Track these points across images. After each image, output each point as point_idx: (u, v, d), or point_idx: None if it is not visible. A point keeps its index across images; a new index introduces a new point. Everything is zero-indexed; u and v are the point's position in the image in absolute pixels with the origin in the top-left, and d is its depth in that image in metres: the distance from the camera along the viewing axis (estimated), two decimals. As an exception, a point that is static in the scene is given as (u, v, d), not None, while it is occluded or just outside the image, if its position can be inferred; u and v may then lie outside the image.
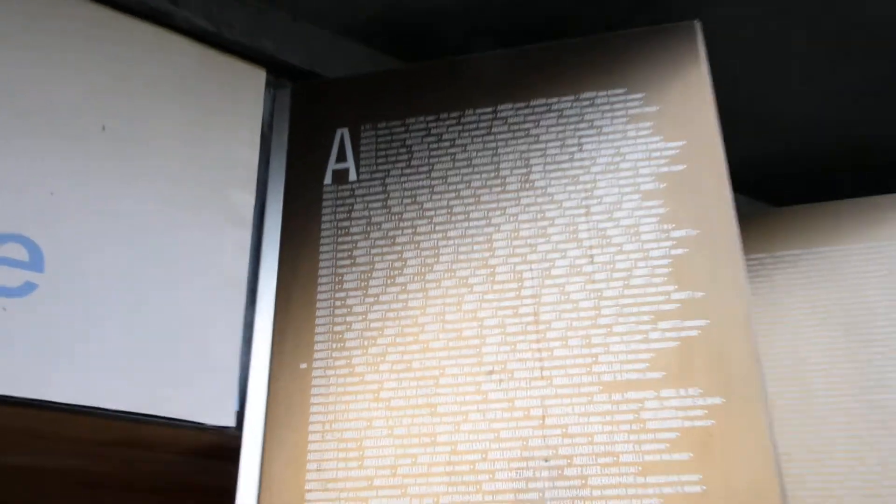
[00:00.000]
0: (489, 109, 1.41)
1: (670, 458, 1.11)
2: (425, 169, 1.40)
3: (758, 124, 1.88)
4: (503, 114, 1.40)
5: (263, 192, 1.42)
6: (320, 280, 1.36)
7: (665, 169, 1.30)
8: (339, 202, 1.41)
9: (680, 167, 1.29)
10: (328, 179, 1.43)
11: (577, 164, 1.34)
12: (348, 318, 1.32)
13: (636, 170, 1.31)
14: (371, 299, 1.33)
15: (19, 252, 1.12)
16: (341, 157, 1.44)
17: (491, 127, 1.40)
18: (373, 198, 1.40)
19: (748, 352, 1.15)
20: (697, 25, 1.38)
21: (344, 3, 1.51)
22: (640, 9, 1.52)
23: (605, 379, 1.19)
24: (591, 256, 1.27)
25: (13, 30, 1.21)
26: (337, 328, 1.32)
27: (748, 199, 2.10)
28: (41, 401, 1.09)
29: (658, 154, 1.31)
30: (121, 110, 1.29)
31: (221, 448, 1.30)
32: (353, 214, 1.39)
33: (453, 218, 1.35)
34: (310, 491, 1.22)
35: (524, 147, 1.37)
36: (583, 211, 1.30)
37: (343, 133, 1.45)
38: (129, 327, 1.20)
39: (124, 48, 1.32)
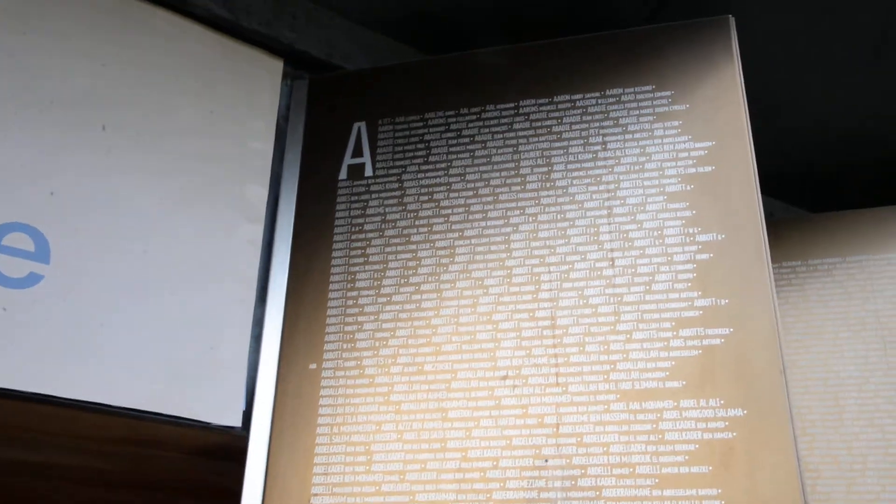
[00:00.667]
0: (511, 105, 1.37)
1: (689, 471, 1.06)
2: (443, 166, 1.36)
3: (796, 128, 1.81)
4: (525, 109, 1.36)
5: (277, 186, 1.40)
6: (332, 278, 1.33)
7: (692, 170, 1.24)
8: (353, 198, 1.37)
9: (708, 168, 1.24)
10: (343, 174, 1.40)
11: (600, 163, 1.29)
12: (360, 318, 1.29)
13: (662, 170, 1.26)
14: (384, 299, 1.29)
15: (25, 242, 1.10)
16: (357, 152, 1.41)
17: (512, 123, 1.36)
18: (388, 194, 1.36)
19: (773, 363, 1.10)
20: (731, 21, 1.32)
21: (365, -6, 1.48)
22: (670, 2, 1.47)
23: (623, 387, 1.14)
24: (612, 259, 1.22)
25: (27, 16, 1.20)
26: (348, 328, 1.28)
27: (784, 204, 2.03)
28: (44, 395, 1.07)
29: (685, 154, 1.26)
30: (133, 99, 1.27)
31: (227, 448, 1.27)
32: (368, 211, 1.36)
33: (470, 217, 1.31)
34: (316, 495, 1.18)
35: (546, 145, 1.33)
36: (605, 212, 1.25)
37: (360, 127, 1.42)
38: (136, 323, 1.18)
39: (139, 35, 1.30)
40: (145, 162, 1.25)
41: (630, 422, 1.11)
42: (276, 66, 1.43)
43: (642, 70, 1.33)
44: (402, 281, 1.29)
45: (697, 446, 1.08)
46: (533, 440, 1.14)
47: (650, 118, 1.30)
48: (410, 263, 1.30)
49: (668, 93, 1.30)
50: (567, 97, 1.35)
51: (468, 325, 1.23)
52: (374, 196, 1.37)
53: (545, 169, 1.31)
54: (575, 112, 1.34)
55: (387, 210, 1.35)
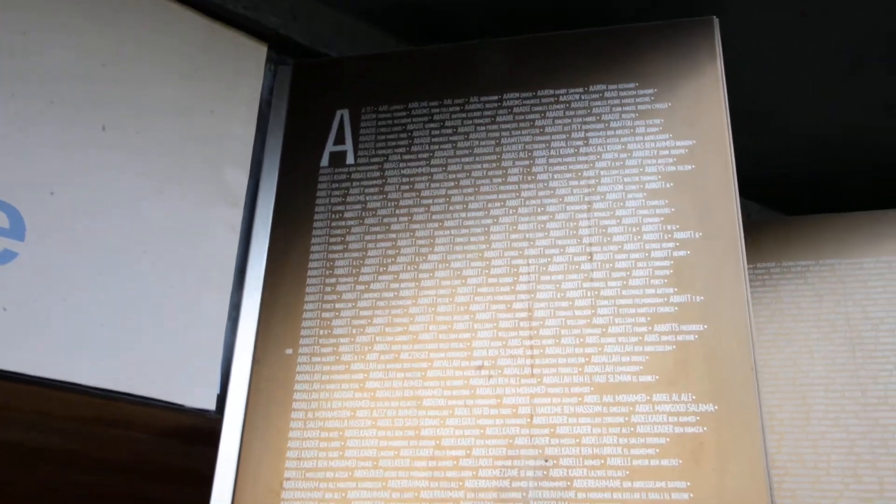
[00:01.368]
0: (494, 98, 1.37)
1: (659, 463, 1.08)
2: (425, 156, 1.36)
3: (773, 131, 1.84)
4: (509, 103, 1.36)
5: (258, 171, 1.39)
6: (311, 265, 1.32)
7: (672, 168, 1.26)
8: (334, 185, 1.37)
9: (687, 167, 1.25)
10: (325, 161, 1.39)
11: (581, 158, 1.30)
12: (337, 305, 1.29)
13: (642, 167, 1.27)
14: (362, 287, 1.29)
15: (0, 219, 1.09)
16: (340, 140, 1.40)
17: (495, 116, 1.36)
18: (369, 183, 1.36)
19: (745, 360, 1.11)
20: (715, 22, 1.34)
21: (352, -18, 1.47)
22: (657, 1, 1.48)
23: (598, 380, 1.15)
24: (591, 254, 1.23)
25: None
26: (325, 314, 1.28)
27: (760, 206, 2.06)
28: (14, 372, 1.06)
29: (666, 153, 1.27)
30: (115, 78, 1.25)
31: (200, 431, 1.27)
32: (349, 199, 1.36)
33: (451, 207, 1.31)
34: (288, 479, 1.18)
35: (528, 138, 1.33)
36: (585, 207, 1.26)
37: (343, 114, 1.42)
38: (112, 303, 1.17)
39: (122, 14, 1.28)
40: (124, 142, 1.24)
41: (603, 414, 1.13)
42: (261, 50, 1.43)
43: (626, 67, 1.34)
44: (381, 269, 1.29)
45: (668, 440, 1.09)
46: (506, 430, 1.14)
47: (632, 115, 1.31)
48: (390, 252, 1.30)
49: (650, 91, 1.32)
50: (551, 92, 1.36)
51: (445, 315, 1.24)
52: (355, 184, 1.37)
53: (527, 162, 1.32)
54: (558, 107, 1.34)
55: (367, 198, 1.35)
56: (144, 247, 1.23)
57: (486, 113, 1.37)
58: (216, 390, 1.23)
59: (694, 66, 1.32)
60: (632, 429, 1.11)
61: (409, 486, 1.14)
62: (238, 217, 1.33)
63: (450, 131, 1.37)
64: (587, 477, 1.09)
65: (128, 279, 1.20)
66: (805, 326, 1.71)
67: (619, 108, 1.32)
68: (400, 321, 1.25)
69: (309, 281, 1.31)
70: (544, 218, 1.27)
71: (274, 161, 1.40)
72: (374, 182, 1.36)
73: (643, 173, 1.26)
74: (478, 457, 1.14)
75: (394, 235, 1.31)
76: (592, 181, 1.28)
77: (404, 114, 1.40)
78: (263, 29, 1.43)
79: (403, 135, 1.38)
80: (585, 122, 1.32)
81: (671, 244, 1.21)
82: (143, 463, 1.50)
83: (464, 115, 1.37)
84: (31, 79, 1.17)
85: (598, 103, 1.33)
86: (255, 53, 1.41)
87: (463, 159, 1.34)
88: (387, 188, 1.35)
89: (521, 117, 1.35)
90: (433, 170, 1.35)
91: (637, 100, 1.32)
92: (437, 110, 1.39)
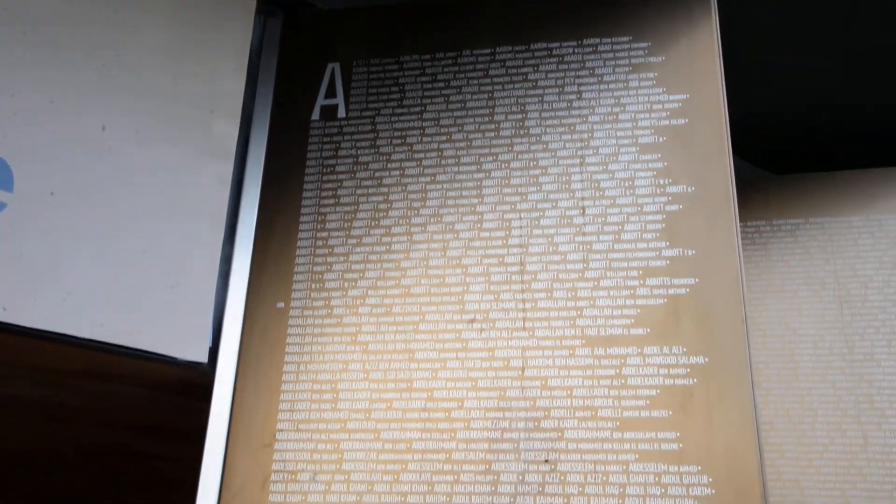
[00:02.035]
0: (487, 51, 1.36)
1: (649, 415, 1.09)
2: (417, 109, 1.35)
3: (764, 90, 1.83)
4: (501, 56, 1.35)
5: (248, 125, 1.38)
6: (302, 218, 1.32)
7: (665, 122, 1.25)
8: (325, 139, 1.36)
9: (681, 121, 1.25)
10: (316, 115, 1.38)
11: (574, 112, 1.29)
12: (329, 259, 1.28)
13: (635, 121, 1.26)
14: (353, 240, 1.29)
15: (-12, 169, 1.08)
16: (331, 93, 1.39)
17: (488, 69, 1.35)
18: (361, 136, 1.35)
19: (735, 313, 1.12)
20: (710, -25, 1.32)
21: (343, -68, 1.44)
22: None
23: (589, 333, 1.15)
24: (583, 208, 1.23)
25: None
26: (317, 268, 1.28)
27: (751, 165, 2.06)
28: (5, 323, 1.05)
29: (659, 107, 1.26)
30: (103, 29, 1.23)
31: (192, 384, 1.27)
32: (340, 153, 1.35)
33: (443, 161, 1.30)
34: (281, 431, 1.19)
35: (521, 92, 1.32)
36: (577, 161, 1.26)
37: (334, 68, 1.40)
38: (102, 255, 1.16)
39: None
40: (113, 95, 1.22)
41: (594, 367, 1.13)
42: (250, 2, 1.40)
43: (620, 20, 1.33)
44: (373, 223, 1.29)
45: (659, 392, 1.10)
46: (498, 382, 1.15)
47: (626, 69, 1.30)
48: (381, 206, 1.30)
49: (644, 44, 1.30)
50: (544, 45, 1.34)
51: (437, 269, 1.24)
52: (346, 138, 1.36)
53: (519, 116, 1.31)
54: (551, 60, 1.33)
55: (359, 152, 1.34)
56: (134, 201, 1.21)
57: (478, 66, 1.35)
58: (208, 343, 1.23)
59: (688, 19, 1.30)
60: (622, 381, 1.12)
61: (402, 437, 1.15)
62: (228, 170, 1.32)
63: (442, 85, 1.35)
64: (578, 428, 1.10)
65: (117, 232, 1.19)
66: (794, 284, 1.72)
67: (612, 62, 1.31)
68: (392, 275, 1.25)
69: (300, 235, 1.31)
70: (536, 172, 1.26)
71: (264, 114, 1.39)
72: (366, 136, 1.35)
73: (636, 127, 1.26)
74: (469, 409, 1.15)
75: (385, 189, 1.31)
76: (585, 135, 1.27)
77: (396, 67, 1.38)
78: (252, -21, 1.40)
79: (395, 88, 1.37)
80: (579, 76, 1.31)
81: (663, 198, 1.21)
82: (135, 417, 1.51)
83: (456, 68, 1.36)
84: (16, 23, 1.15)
85: (592, 57, 1.32)
86: (244, 4, 1.39)
87: (455, 113, 1.33)
88: (378, 142, 1.34)
89: (514, 71, 1.34)
90: (425, 124, 1.34)
91: (631, 53, 1.30)
92: (429, 64, 1.37)
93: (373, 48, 1.40)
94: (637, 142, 1.25)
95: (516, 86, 1.33)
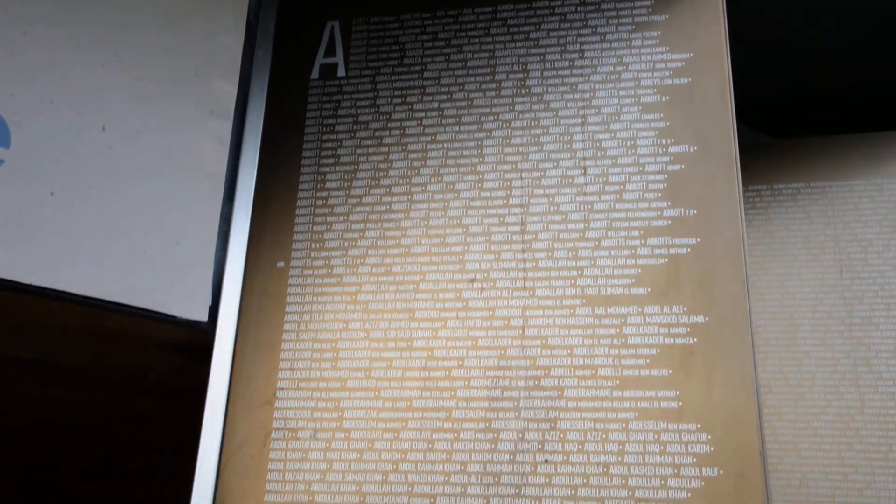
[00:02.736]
0: (488, 9, 1.34)
1: (649, 373, 1.09)
2: (418, 68, 1.33)
3: (764, 52, 1.81)
4: (503, 14, 1.33)
5: (246, 84, 1.36)
6: (302, 178, 1.31)
7: (668, 81, 1.24)
8: (325, 98, 1.35)
9: (684, 80, 1.23)
10: (315, 74, 1.36)
11: (576, 71, 1.28)
12: (329, 219, 1.28)
13: (638, 81, 1.25)
14: (354, 200, 1.28)
15: (-17, 124, 1.07)
16: (330, 52, 1.37)
17: (489, 28, 1.33)
18: (361, 96, 1.34)
19: (736, 272, 1.12)
20: (714, -68, 1.30)
21: None
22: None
23: (589, 293, 1.15)
24: (585, 168, 1.22)
25: None
26: (317, 228, 1.28)
27: (751, 129, 2.04)
28: (3, 280, 1.04)
29: (662, 66, 1.25)
30: (98, -17, 1.21)
31: (192, 344, 1.27)
32: (340, 112, 1.33)
33: (444, 121, 1.29)
34: (281, 389, 1.19)
35: (522, 51, 1.31)
36: (579, 121, 1.25)
37: (333, 26, 1.38)
38: (100, 213, 1.16)
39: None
40: (110, 54, 1.21)
41: (594, 326, 1.13)
42: (248, -44, 1.38)
43: (624, -22, 1.31)
44: (373, 182, 1.28)
45: (659, 351, 1.10)
46: (498, 341, 1.15)
47: (629, 27, 1.28)
48: (382, 165, 1.29)
49: (648, 2, 1.29)
50: (546, 3, 1.32)
51: (438, 229, 1.23)
52: (346, 97, 1.34)
53: (521, 75, 1.29)
54: (553, 18, 1.31)
55: (359, 111, 1.33)
56: (132, 159, 1.20)
57: (479, 25, 1.34)
58: (208, 302, 1.23)
59: (693, -23, 1.29)
60: (623, 340, 1.12)
61: (402, 395, 1.15)
62: (227, 130, 1.31)
63: (442, 43, 1.34)
64: (578, 387, 1.11)
65: (116, 190, 1.18)
66: (794, 248, 1.72)
67: (615, 20, 1.29)
68: (392, 234, 1.24)
69: (300, 194, 1.30)
70: (538, 131, 1.25)
71: (263, 74, 1.37)
72: (366, 95, 1.34)
73: (639, 86, 1.25)
74: (470, 367, 1.15)
75: (386, 149, 1.30)
76: (587, 94, 1.26)
77: (396, 25, 1.37)
78: (250, -66, 1.38)
79: (395, 47, 1.35)
80: (581, 35, 1.30)
81: (665, 158, 1.20)
82: (135, 377, 1.51)
83: (457, 26, 1.34)
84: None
85: (595, 15, 1.30)
86: (241, -40, 1.37)
87: (456, 72, 1.32)
88: (378, 101, 1.33)
89: (516, 29, 1.32)
90: (426, 83, 1.32)
91: (634, 11, 1.29)
92: (430, 22, 1.36)
93: (372, 6, 1.38)
94: (639, 101, 1.24)
95: (518, 45, 1.31)
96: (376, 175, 1.28)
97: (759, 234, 1.74)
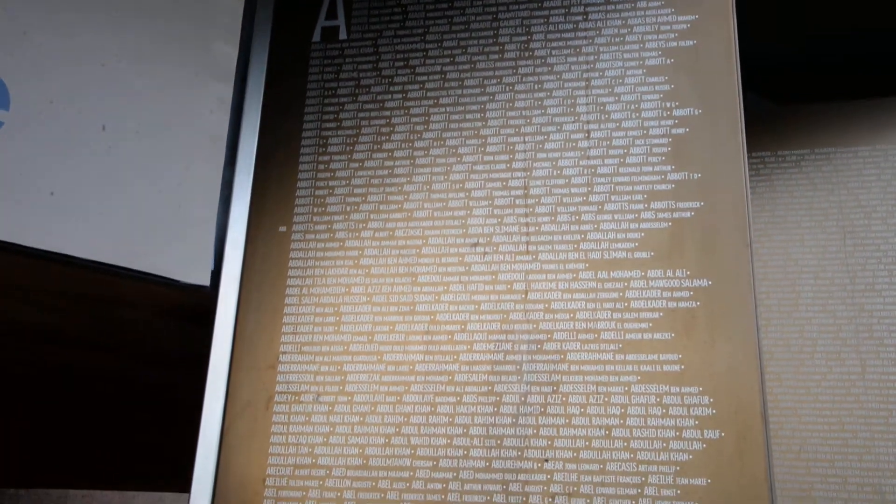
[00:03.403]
0: (491, -29, 1.32)
1: (651, 337, 1.09)
2: (420, 31, 1.32)
3: (768, 18, 1.79)
4: (506, -24, 1.31)
5: (248, 48, 1.35)
6: (303, 142, 1.30)
7: (673, 44, 1.23)
8: (326, 61, 1.33)
9: (689, 43, 1.22)
10: (317, 37, 1.35)
11: (580, 34, 1.26)
12: (331, 183, 1.27)
13: (643, 43, 1.24)
14: (356, 164, 1.27)
15: (-18, 85, 1.06)
16: (332, 14, 1.36)
17: (492, -10, 1.31)
18: (363, 59, 1.32)
19: (740, 236, 1.11)
20: None
21: None
22: None
23: (592, 257, 1.15)
24: (588, 132, 1.21)
25: None
26: (319, 192, 1.27)
27: (755, 96, 2.03)
28: (5, 242, 1.04)
29: (667, 28, 1.24)
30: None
31: (195, 309, 1.27)
32: (342, 75, 1.32)
33: (446, 84, 1.28)
34: (284, 353, 1.20)
35: (526, 13, 1.29)
36: (583, 84, 1.24)
37: (335, -13, 1.37)
38: (101, 177, 1.15)
39: None
40: (108, 15, 1.19)
41: (597, 290, 1.13)
42: (248, -84, 1.36)
43: (629, -62, 1.29)
44: (375, 147, 1.27)
45: (662, 314, 1.10)
46: (501, 305, 1.15)
47: (634, -11, 1.26)
48: (384, 129, 1.28)
49: (653, -36, 1.27)
50: (550, -36, 1.31)
51: (440, 193, 1.23)
52: (347, 60, 1.33)
53: (524, 38, 1.28)
54: (557, -20, 1.30)
55: (361, 75, 1.32)
56: (133, 122, 1.20)
57: (482, -14, 1.32)
58: (210, 266, 1.23)
59: (699, -62, 1.27)
60: (626, 304, 1.12)
61: (405, 359, 1.16)
62: (228, 93, 1.30)
63: (445, 6, 1.32)
64: (580, 350, 1.11)
65: (117, 155, 1.17)
66: (797, 215, 1.71)
67: (620, -18, 1.27)
68: (394, 199, 1.24)
69: (302, 158, 1.29)
70: (541, 95, 1.24)
71: (264, 37, 1.36)
72: (368, 58, 1.32)
73: (643, 49, 1.23)
74: (472, 331, 1.15)
75: (388, 113, 1.29)
76: (591, 57, 1.24)
77: (398, -13, 1.35)
78: None
79: (397, 9, 1.34)
80: (586, -3, 1.28)
81: (670, 121, 1.19)
82: (136, 343, 1.51)
83: (460, -12, 1.33)
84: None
85: (600, -24, 1.28)
86: (241, -80, 1.34)
87: (459, 35, 1.30)
88: (381, 65, 1.31)
89: (520, -9, 1.30)
90: (428, 46, 1.31)
91: (639, -27, 1.27)
92: (432, -16, 1.34)
93: (374, -33, 1.36)
94: (644, 64, 1.22)
95: (521, 7, 1.29)
96: (378, 139, 1.27)
97: (763, 202, 1.73)
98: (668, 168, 1.17)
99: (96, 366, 1.65)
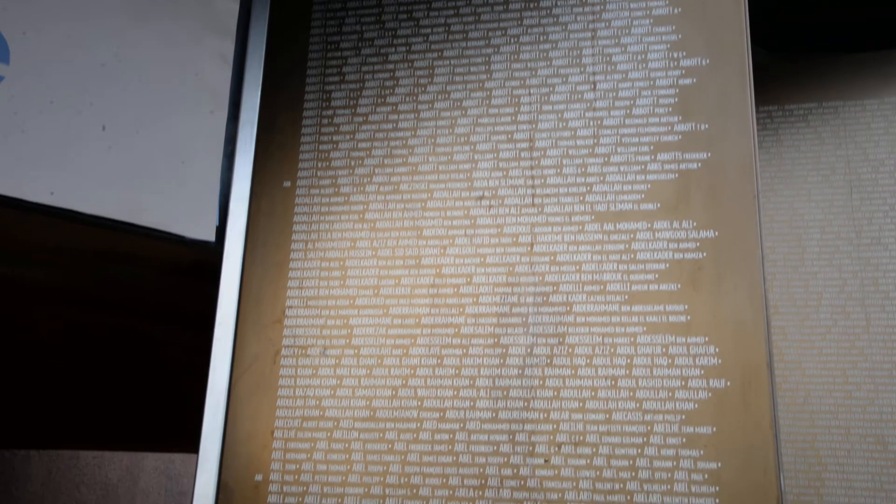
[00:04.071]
0: (496, -81, 1.30)
1: (658, 288, 1.09)
2: (423, -18, 1.30)
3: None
4: (510, -76, 1.29)
5: (249, 1, 1.33)
6: (307, 97, 1.29)
7: (680, -7, 1.21)
8: (329, 15, 1.32)
9: (696, -9, 1.20)
10: (319, -11, 1.33)
11: (586, -16, 1.24)
12: (335, 138, 1.26)
13: (649, -8, 1.22)
14: (360, 118, 1.26)
15: (-18, 39, 1.05)
16: (333, -35, 1.34)
17: (496, -61, 1.29)
18: (365, 12, 1.31)
19: (747, 187, 1.11)
20: None
21: None
22: None
23: (598, 209, 1.14)
24: (594, 83, 1.20)
25: None
26: (323, 147, 1.26)
27: (762, 49, 2.00)
28: (12, 198, 1.04)
29: (674, -23, 1.21)
30: None
31: (200, 265, 1.27)
32: (344, 29, 1.31)
33: (451, 37, 1.27)
34: (290, 307, 1.20)
35: (531, -37, 1.27)
36: (588, 35, 1.22)
37: (336, -62, 1.34)
38: (104, 132, 1.14)
39: None
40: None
41: (603, 242, 1.13)
42: None
43: None
44: (379, 101, 1.26)
45: (668, 265, 1.10)
46: (507, 258, 1.15)
47: (641, -63, 1.24)
48: (388, 83, 1.27)
49: (661, -90, 1.24)
50: (555, -87, 1.28)
51: (445, 146, 1.22)
52: (350, 13, 1.31)
53: (529, -12, 1.26)
54: (563, -71, 1.27)
55: (364, 28, 1.30)
56: (135, 78, 1.19)
57: (486, -64, 1.30)
58: (215, 221, 1.23)
59: None
60: (632, 255, 1.12)
61: (410, 312, 1.16)
62: (230, 48, 1.28)
63: (449, -44, 1.30)
64: (586, 302, 1.11)
65: (119, 110, 1.16)
66: (804, 169, 1.70)
67: (627, -70, 1.25)
68: (399, 153, 1.23)
69: (305, 113, 1.28)
70: (547, 46, 1.23)
71: (264, -11, 1.34)
72: (371, 11, 1.30)
73: (650, -2, 1.21)
74: (478, 284, 1.15)
75: (391, 66, 1.27)
76: (597, 7, 1.23)
77: (400, -62, 1.32)
78: None
79: (400, -40, 1.32)
80: (591, -55, 1.26)
81: (677, 72, 1.17)
82: (141, 301, 1.51)
83: (463, -62, 1.30)
84: None
85: (606, -76, 1.26)
86: None
87: (463, -14, 1.28)
88: (384, 17, 1.30)
89: (524, -60, 1.28)
90: (431, -3, 1.29)
91: (646, -80, 1.25)
92: (435, -66, 1.31)
93: (376, -83, 1.34)
94: (651, 14, 1.21)
95: (526, -44, 1.27)
96: (382, 93, 1.26)
97: (769, 156, 1.72)
98: (675, 119, 1.16)
99: (102, 324, 1.66)
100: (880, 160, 1.66)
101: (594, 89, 1.19)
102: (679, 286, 1.09)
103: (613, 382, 1.07)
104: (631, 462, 1.04)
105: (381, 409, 1.13)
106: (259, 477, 1.14)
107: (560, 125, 1.19)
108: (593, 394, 1.07)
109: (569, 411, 1.07)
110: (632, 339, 1.08)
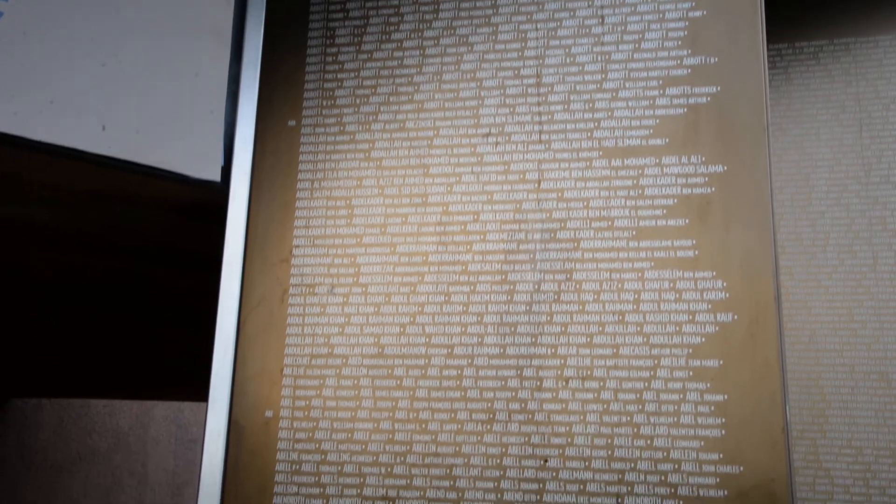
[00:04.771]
0: None
1: (665, 223, 1.09)
2: (427, -85, 1.27)
3: None
4: None
5: (249, -66, 1.30)
6: (310, 34, 1.27)
7: (691, -77, 1.18)
8: (331, -52, 1.29)
9: (707, -79, 1.17)
10: (320, -78, 1.30)
11: (594, -86, 1.21)
12: (339, 76, 1.25)
13: (659, -77, 1.19)
14: (364, 56, 1.24)
15: (-21, -28, 1.03)
16: None
17: None
18: (369, -55, 1.28)
19: (757, 120, 1.09)
20: None
21: None
22: None
23: (606, 144, 1.13)
24: (602, 17, 1.18)
25: None
26: (328, 85, 1.25)
27: (772, -13, 1.96)
28: (15, 136, 1.03)
29: None
30: None
31: (206, 206, 1.27)
32: (347, -37, 1.28)
33: (455, -29, 1.24)
34: (297, 247, 1.20)
35: None
36: (596, -33, 1.19)
37: None
38: (105, 70, 1.13)
39: None
40: None
41: (611, 178, 1.12)
42: None
43: None
44: (384, 37, 1.24)
45: (676, 201, 1.09)
46: (514, 195, 1.15)
47: None
48: (392, 19, 1.25)
49: None
50: None
51: (451, 83, 1.20)
52: (352, -53, 1.29)
53: (536, -80, 1.23)
54: None
55: (367, -38, 1.28)
56: (135, 15, 1.17)
57: None
58: (220, 161, 1.22)
59: None
60: (640, 191, 1.11)
61: (418, 250, 1.16)
62: (231, -16, 1.26)
63: None
64: (594, 238, 1.11)
65: (120, 48, 1.15)
66: (813, 108, 1.68)
67: None
68: (404, 90, 1.22)
69: (309, 51, 1.26)
70: (554, -21, 1.20)
71: (265, -77, 1.31)
72: (373, -56, 1.28)
73: (660, -71, 1.18)
74: (485, 221, 1.15)
75: (396, 2, 1.25)
76: (606, -61, 1.20)
77: None
78: None
79: None
80: None
81: (687, 3, 1.15)
82: (147, 242, 1.51)
83: None
84: None
85: None
86: None
87: (467, -82, 1.25)
88: (387, -49, 1.27)
89: None
90: (436, -70, 1.26)
91: None
92: None
93: None
94: (661, -56, 1.18)
95: None
96: (387, 29, 1.24)
97: (778, 95, 1.70)
98: (685, 52, 1.14)
99: (108, 267, 1.66)
100: (892, 97, 1.63)
101: (602, 23, 1.17)
102: (687, 221, 1.08)
103: (621, 317, 1.08)
104: (638, 395, 1.05)
105: (389, 346, 1.14)
106: (269, 413, 1.15)
107: (567, 60, 1.17)
108: (601, 329, 1.08)
109: (576, 346, 1.08)
110: (639, 275, 1.08)
